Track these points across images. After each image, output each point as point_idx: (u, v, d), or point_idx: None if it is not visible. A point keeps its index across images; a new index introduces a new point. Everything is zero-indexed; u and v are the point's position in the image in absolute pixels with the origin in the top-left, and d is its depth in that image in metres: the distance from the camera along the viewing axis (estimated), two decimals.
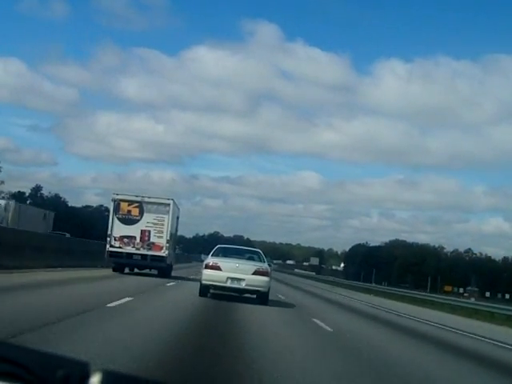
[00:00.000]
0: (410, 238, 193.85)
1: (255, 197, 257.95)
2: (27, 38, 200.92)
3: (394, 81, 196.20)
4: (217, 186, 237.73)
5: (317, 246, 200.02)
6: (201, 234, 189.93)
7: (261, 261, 16.29)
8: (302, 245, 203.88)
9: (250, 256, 17.13)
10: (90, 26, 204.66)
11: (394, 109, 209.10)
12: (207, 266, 15.35)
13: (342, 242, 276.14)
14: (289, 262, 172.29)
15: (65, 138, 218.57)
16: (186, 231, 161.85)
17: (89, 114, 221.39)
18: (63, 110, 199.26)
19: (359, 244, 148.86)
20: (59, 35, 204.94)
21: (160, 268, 24.47)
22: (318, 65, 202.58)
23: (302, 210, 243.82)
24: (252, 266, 15.46)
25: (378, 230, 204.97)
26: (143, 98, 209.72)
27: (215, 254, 16.18)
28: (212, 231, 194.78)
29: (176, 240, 29.21)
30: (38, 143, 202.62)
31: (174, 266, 28.14)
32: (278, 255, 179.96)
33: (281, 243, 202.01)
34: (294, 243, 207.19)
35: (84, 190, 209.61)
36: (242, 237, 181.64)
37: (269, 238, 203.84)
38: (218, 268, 15.14)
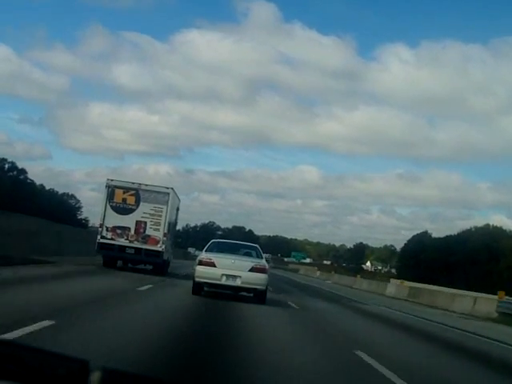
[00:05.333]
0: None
1: (255, 191, 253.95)
2: (10, 21, 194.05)
3: (399, 67, 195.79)
4: (214, 181, 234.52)
5: (325, 242, 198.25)
6: (192, 225, 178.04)
7: (258, 257, 16.09)
8: (310, 240, 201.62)
9: (247, 252, 16.86)
10: (75, 5, 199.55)
11: (399, 97, 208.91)
12: (201, 262, 15.08)
13: (352, 238, 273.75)
14: (304, 260, 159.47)
15: (57, 131, 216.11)
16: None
17: (81, 104, 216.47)
18: (54, 100, 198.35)
19: (420, 234, 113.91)
20: (44, 16, 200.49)
21: (155, 264, 23.30)
22: (318, 49, 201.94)
23: (305, 204, 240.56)
24: (249, 262, 15.25)
25: (401, 225, 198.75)
26: (137, 86, 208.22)
27: (209, 250, 15.95)
28: (206, 221, 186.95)
29: (175, 233, 27.98)
30: (29, 136, 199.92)
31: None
32: (288, 252, 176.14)
33: (285, 237, 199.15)
34: (300, 238, 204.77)
35: (78, 184, 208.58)
36: (242, 228, 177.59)
37: (271, 233, 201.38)
38: (212, 264, 14.87)
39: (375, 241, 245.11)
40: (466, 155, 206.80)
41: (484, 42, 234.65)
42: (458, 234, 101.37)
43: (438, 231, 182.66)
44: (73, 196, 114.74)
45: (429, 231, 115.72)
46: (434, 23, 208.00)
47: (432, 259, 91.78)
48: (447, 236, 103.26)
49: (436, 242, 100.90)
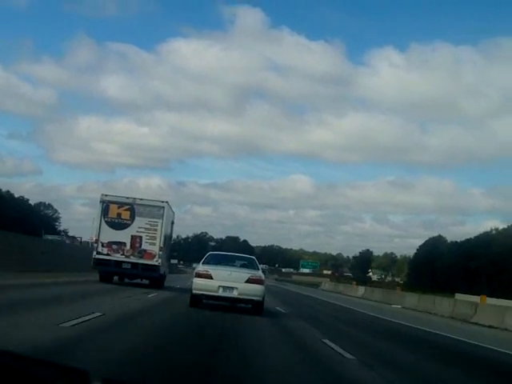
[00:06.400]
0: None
1: (248, 202, 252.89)
2: None
3: (389, 71, 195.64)
4: (206, 193, 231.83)
5: (321, 251, 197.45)
6: (184, 236, 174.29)
7: (254, 268, 16.37)
8: (306, 250, 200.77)
9: (244, 263, 17.21)
10: (60, 16, 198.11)
11: (389, 102, 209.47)
12: (198, 275, 15.44)
13: (348, 247, 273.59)
14: (304, 270, 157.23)
15: (46, 145, 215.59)
16: None
17: (70, 117, 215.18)
18: (43, 114, 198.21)
19: (434, 239, 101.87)
20: (30, 29, 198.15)
21: (152, 278, 23.46)
22: (306, 55, 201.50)
23: (298, 214, 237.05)
24: (245, 273, 15.48)
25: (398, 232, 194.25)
26: (124, 98, 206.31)
27: (206, 262, 16.28)
28: (198, 232, 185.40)
29: (170, 247, 28.13)
30: (19, 151, 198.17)
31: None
32: (284, 262, 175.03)
33: (280, 247, 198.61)
34: (295, 248, 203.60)
35: (70, 199, 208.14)
36: (236, 239, 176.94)
37: (264, 243, 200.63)
38: (209, 276, 15.20)
39: (372, 249, 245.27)
40: (458, 160, 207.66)
41: (474, 43, 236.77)
42: (475, 237, 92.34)
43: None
44: (50, 206, 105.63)
45: (442, 235, 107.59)
46: (423, 25, 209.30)
47: (449, 266, 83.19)
48: (466, 240, 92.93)
49: (453, 247, 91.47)
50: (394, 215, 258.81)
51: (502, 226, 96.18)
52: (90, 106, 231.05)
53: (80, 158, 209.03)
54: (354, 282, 69.34)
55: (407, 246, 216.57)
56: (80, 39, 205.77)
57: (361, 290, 48.71)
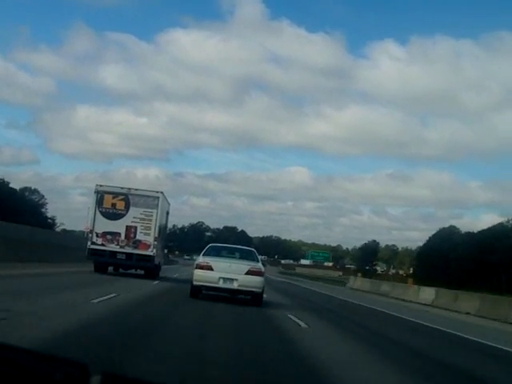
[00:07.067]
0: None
1: (246, 194, 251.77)
2: None
3: (389, 64, 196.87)
4: (204, 183, 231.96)
5: (320, 243, 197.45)
6: (179, 226, 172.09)
7: (254, 260, 16.55)
8: (304, 241, 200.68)
9: (244, 255, 17.35)
10: (57, 4, 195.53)
11: (389, 95, 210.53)
12: (198, 266, 15.53)
13: (347, 239, 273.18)
14: (304, 261, 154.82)
15: (45, 135, 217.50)
16: None
17: (68, 107, 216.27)
18: (41, 103, 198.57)
19: (446, 230, 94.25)
20: (26, 17, 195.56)
21: (147, 268, 23.46)
22: (306, 47, 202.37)
23: (296, 206, 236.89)
24: (245, 265, 15.60)
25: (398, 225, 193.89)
26: (123, 88, 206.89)
27: (207, 254, 16.44)
28: (194, 221, 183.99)
29: (165, 238, 28.11)
30: (17, 141, 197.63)
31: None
32: (284, 253, 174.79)
33: (279, 237, 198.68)
34: (294, 240, 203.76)
35: (67, 189, 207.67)
36: (234, 229, 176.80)
37: (263, 234, 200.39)
38: (209, 268, 15.32)
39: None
40: (458, 154, 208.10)
41: (475, 37, 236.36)
42: (489, 228, 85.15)
43: (430, 231, 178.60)
44: (36, 191, 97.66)
45: (456, 226, 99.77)
46: (424, 19, 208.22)
47: (463, 258, 77.49)
48: (480, 231, 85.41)
49: (467, 239, 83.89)
50: (393, 208, 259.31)
51: (499, 219, 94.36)
52: (88, 95, 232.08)
53: (78, 147, 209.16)
54: (411, 280, 47.39)
55: (405, 238, 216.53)
56: (78, 28, 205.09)
57: (427, 292, 30.16)
